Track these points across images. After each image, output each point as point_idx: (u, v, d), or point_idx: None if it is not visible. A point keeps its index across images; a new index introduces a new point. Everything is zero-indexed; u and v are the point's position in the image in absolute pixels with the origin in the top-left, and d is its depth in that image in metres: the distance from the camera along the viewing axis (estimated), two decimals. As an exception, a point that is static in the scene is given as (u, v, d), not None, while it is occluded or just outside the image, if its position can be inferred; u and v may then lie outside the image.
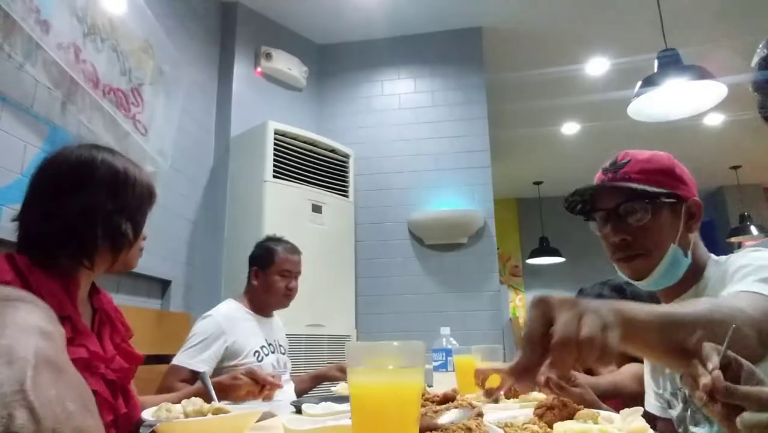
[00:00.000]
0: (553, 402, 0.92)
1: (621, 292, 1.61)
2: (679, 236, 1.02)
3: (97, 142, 1.15)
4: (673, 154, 1.09)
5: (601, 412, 0.85)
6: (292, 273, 2.04)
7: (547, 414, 0.91)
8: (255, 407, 0.96)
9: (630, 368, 1.48)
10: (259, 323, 2.00)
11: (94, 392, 0.89)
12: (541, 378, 1.07)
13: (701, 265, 1.05)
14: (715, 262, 1.05)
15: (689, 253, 1.03)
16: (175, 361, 1.79)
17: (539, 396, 1.17)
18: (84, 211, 0.99)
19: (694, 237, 1.05)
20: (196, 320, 1.98)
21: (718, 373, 0.55)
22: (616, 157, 1.10)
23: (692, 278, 1.04)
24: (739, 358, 0.58)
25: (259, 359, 1.90)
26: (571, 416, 0.88)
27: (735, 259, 0.97)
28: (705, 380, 0.55)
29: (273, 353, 1.98)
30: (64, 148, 1.07)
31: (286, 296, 2.03)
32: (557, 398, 0.93)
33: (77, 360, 0.88)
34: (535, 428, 0.86)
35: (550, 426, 0.85)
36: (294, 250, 2.09)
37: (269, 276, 2.00)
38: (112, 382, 0.97)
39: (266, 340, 1.98)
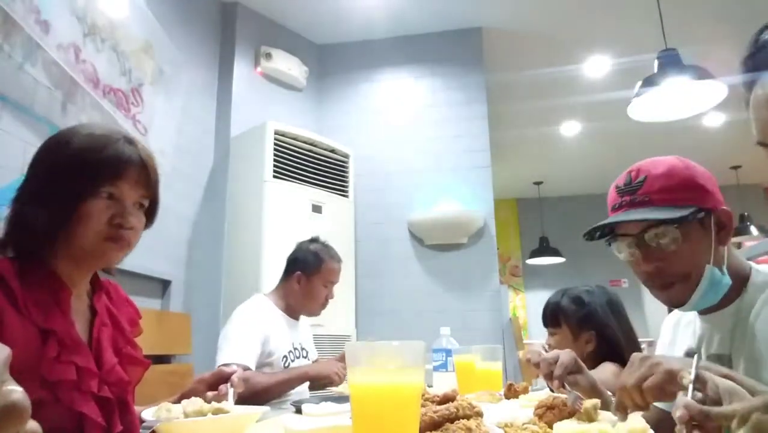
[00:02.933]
0: (553, 402, 0.92)
1: (581, 303, 1.60)
2: (713, 253, 0.94)
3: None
4: (673, 154, 1.03)
5: (601, 412, 0.85)
6: (334, 283, 1.98)
7: (547, 414, 0.91)
8: (258, 408, 0.95)
9: (608, 366, 1.48)
10: (288, 326, 1.93)
11: (81, 415, 0.81)
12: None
13: (742, 275, 0.97)
14: (757, 272, 0.97)
15: (725, 268, 0.95)
16: (225, 360, 1.69)
17: (539, 396, 1.17)
18: (28, 200, 0.87)
19: (728, 247, 0.96)
20: (232, 317, 1.88)
21: (689, 401, 0.58)
22: (629, 174, 1.01)
23: (733, 291, 0.95)
24: (715, 378, 0.60)
25: (286, 364, 1.84)
26: (570, 416, 0.88)
27: None
28: (679, 412, 0.57)
29: (298, 358, 1.92)
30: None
31: (322, 306, 1.97)
32: (557, 398, 0.93)
33: (63, 382, 0.80)
34: (535, 428, 0.86)
35: (550, 426, 0.85)
36: (339, 259, 2.01)
37: (313, 283, 1.92)
38: (107, 399, 0.87)
39: (293, 344, 1.92)
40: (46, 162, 0.90)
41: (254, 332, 1.76)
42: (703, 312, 1.01)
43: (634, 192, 0.98)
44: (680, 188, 0.95)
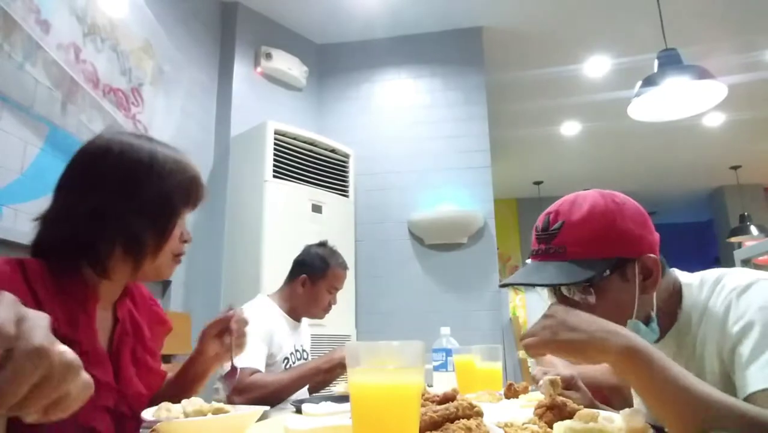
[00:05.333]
0: (553, 402, 0.92)
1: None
2: (637, 306, 0.88)
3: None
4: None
5: (601, 412, 0.85)
6: (338, 289, 1.97)
7: (546, 414, 0.91)
8: (258, 408, 0.95)
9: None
10: (290, 327, 1.93)
11: (92, 429, 0.81)
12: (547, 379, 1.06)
13: (675, 297, 0.92)
14: (688, 287, 0.92)
15: (653, 315, 0.90)
16: (241, 364, 1.70)
17: (539, 396, 1.17)
18: (93, 213, 0.85)
19: (659, 287, 0.90)
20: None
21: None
22: (548, 216, 0.94)
23: (669, 316, 0.92)
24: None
25: (287, 366, 1.83)
26: (570, 416, 0.87)
27: (722, 296, 0.85)
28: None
29: (299, 360, 1.92)
30: (96, 136, 0.92)
31: (325, 311, 1.96)
32: (557, 398, 0.93)
33: None
34: (535, 428, 0.86)
35: (550, 426, 0.85)
36: (346, 266, 2.01)
37: (318, 288, 1.91)
38: (122, 413, 0.86)
39: (294, 346, 1.92)
40: (136, 176, 0.89)
41: (262, 333, 1.75)
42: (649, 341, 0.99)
43: (549, 241, 0.91)
44: (597, 239, 0.87)
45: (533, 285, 0.91)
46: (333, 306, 1.99)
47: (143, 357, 0.98)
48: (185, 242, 0.96)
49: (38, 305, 0.77)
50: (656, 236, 0.92)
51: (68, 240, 0.84)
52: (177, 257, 0.96)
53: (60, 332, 0.79)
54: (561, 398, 0.92)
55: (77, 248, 0.85)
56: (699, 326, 0.89)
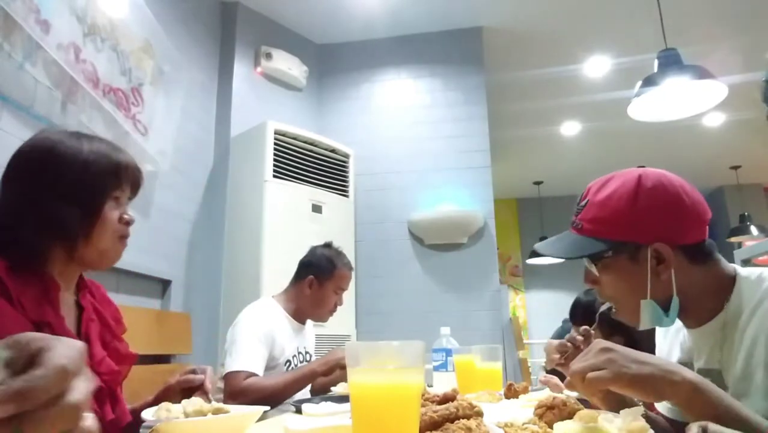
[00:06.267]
0: (553, 402, 0.92)
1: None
2: (652, 286, 0.90)
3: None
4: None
5: (601, 412, 0.85)
6: (344, 290, 1.97)
7: (547, 414, 0.91)
8: (258, 408, 0.95)
9: None
10: (294, 330, 1.92)
11: None
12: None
13: (726, 285, 0.92)
14: (744, 279, 0.91)
15: (674, 300, 0.91)
16: (234, 368, 1.66)
17: (539, 396, 1.17)
18: (18, 203, 0.90)
19: (690, 271, 0.92)
20: (239, 319, 1.84)
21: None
22: (585, 191, 1.00)
23: (718, 303, 0.91)
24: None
25: (290, 369, 1.83)
26: (570, 416, 0.88)
27: None
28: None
29: (302, 362, 1.92)
30: (31, 136, 0.98)
31: (331, 312, 1.96)
32: (557, 398, 0.93)
33: None
34: (535, 428, 0.86)
35: (551, 426, 0.85)
36: (351, 267, 2.01)
37: (325, 289, 1.91)
38: (99, 388, 0.89)
39: (297, 349, 1.91)
40: (58, 168, 0.93)
41: (262, 336, 1.75)
42: (688, 325, 0.99)
43: (576, 214, 0.99)
44: (609, 221, 0.93)
45: (543, 255, 1.02)
46: (339, 307, 1.99)
47: (112, 342, 1.01)
48: (127, 223, 0.98)
49: (7, 294, 0.82)
50: (690, 221, 0.92)
51: (4, 232, 0.89)
52: (122, 239, 0.98)
53: (29, 316, 0.83)
54: (561, 396, 0.93)
55: (10, 240, 0.89)
56: (751, 319, 0.88)
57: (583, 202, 0.98)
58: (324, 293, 1.91)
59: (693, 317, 0.95)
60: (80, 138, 0.97)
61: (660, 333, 1.15)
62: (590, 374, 0.74)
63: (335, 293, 1.93)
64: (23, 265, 0.87)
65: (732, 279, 0.93)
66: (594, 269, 0.97)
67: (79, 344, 0.38)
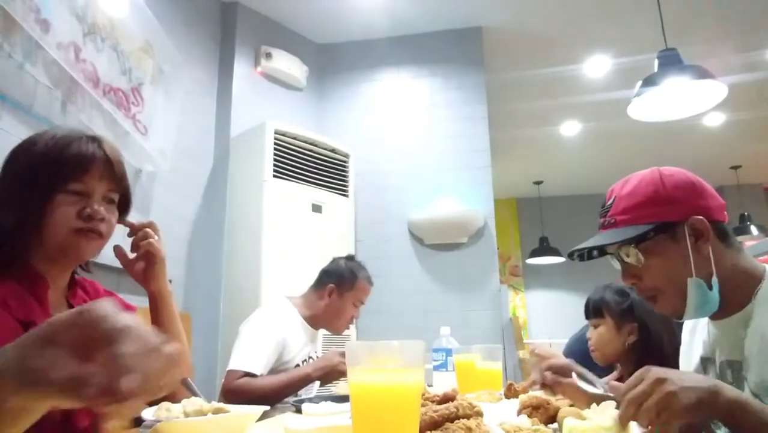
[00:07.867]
0: (538, 401, 0.94)
1: (624, 295, 1.61)
2: (694, 264, 0.92)
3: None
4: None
5: (594, 405, 0.86)
6: (362, 303, 1.98)
7: (534, 414, 0.93)
8: (258, 408, 0.95)
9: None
10: (307, 335, 1.92)
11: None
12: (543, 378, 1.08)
13: (754, 279, 0.93)
14: None
15: (714, 277, 0.92)
16: (232, 366, 1.67)
17: (539, 395, 1.17)
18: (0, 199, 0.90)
19: (723, 252, 0.94)
20: (252, 317, 1.84)
21: None
22: (608, 195, 1.04)
23: (744, 296, 0.92)
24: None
25: None
26: (554, 415, 0.90)
27: None
28: None
29: None
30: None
31: (347, 324, 1.96)
32: (540, 398, 0.96)
33: None
34: (535, 428, 0.86)
35: (546, 424, 0.87)
36: (372, 282, 2.02)
37: (344, 300, 1.92)
38: None
39: (308, 354, 1.91)
40: (14, 166, 0.92)
41: (271, 338, 1.74)
42: (713, 318, 0.99)
43: (605, 215, 1.02)
44: (641, 206, 0.96)
45: (589, 250, 1.03)
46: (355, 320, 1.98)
47: None
48: (89, 217, 0.90)
49: None
50: (713, 201, 0.97)
51: None
52: (82, 233, 0.90)
53: (15, 315, 0.81)
54: (541, 394, 0.96)
55: None
56: (764, 314, 0.89)
57: (609, 202, 1.02)
58: (343, 304, 1.92)
59: (721, 307, 0.95)
60: (43, 133, 0.94)
61: (687, 329, 1.15)
62: (646, 403, 0.73)
63: (354, 306, 1.94)
64: (4, 262, 0.87)
65: (761, 272, 0.95)
66: (634, 260, 0.97)
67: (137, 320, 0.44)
